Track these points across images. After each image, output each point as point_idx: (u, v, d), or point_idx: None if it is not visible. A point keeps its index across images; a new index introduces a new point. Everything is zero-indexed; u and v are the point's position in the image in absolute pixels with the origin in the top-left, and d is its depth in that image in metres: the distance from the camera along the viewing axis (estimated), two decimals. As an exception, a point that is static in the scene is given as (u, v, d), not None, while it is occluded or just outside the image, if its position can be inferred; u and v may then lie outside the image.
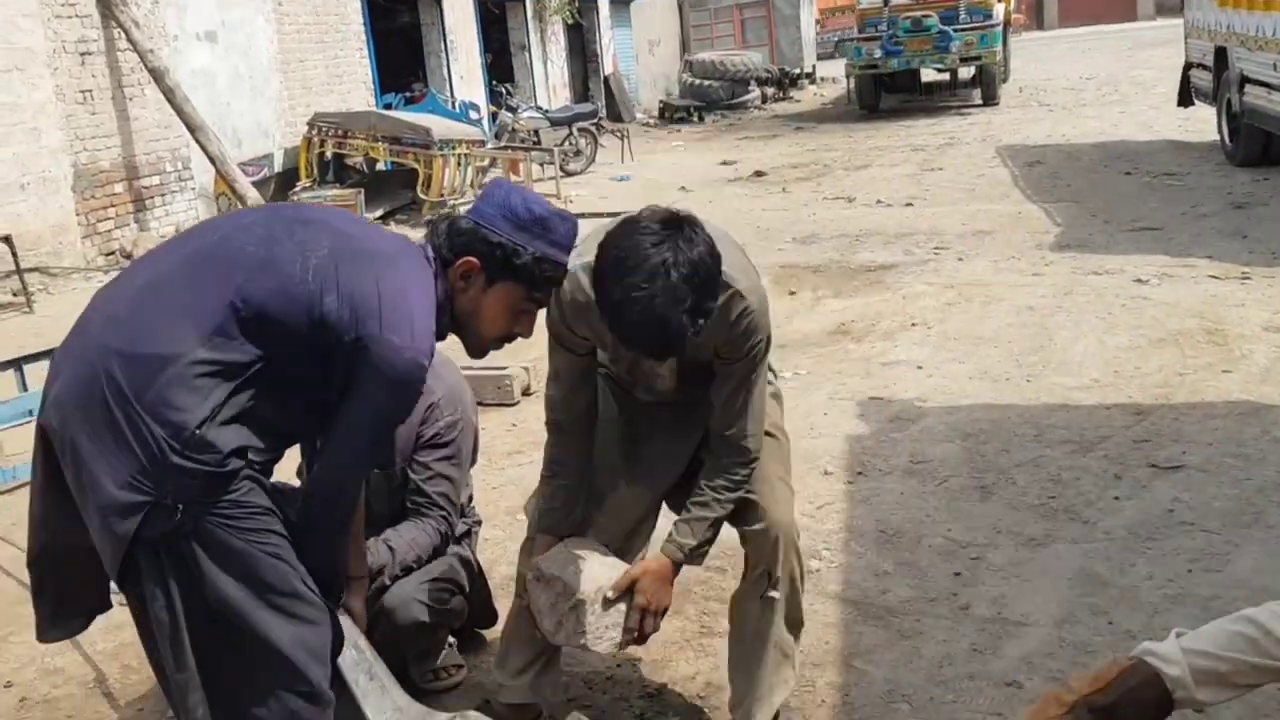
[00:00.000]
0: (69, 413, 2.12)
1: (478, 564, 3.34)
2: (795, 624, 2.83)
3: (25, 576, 3.76)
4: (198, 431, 2.06)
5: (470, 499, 3.37)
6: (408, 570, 3.02)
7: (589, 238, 2.51)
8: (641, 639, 2.62)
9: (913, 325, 6.69)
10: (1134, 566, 3.68)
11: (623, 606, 2.54)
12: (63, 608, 2.36)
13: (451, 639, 3.27)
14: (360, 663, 2.50)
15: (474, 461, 3.29)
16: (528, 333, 2.47)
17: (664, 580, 2.61)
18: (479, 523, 3.48)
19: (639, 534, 2.88)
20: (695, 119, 22.75)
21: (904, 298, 7.34)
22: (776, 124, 21.30)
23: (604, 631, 2.54)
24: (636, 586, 2.57)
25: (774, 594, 2.68)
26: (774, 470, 2.75)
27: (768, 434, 2.72)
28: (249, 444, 2.15)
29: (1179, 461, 4.44)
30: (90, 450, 2.08)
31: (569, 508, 2.72)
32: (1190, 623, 3.29)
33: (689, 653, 3.33)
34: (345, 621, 2.53)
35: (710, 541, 2.66)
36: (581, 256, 2.46)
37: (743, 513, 2.67)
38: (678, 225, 2.27)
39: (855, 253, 8.91)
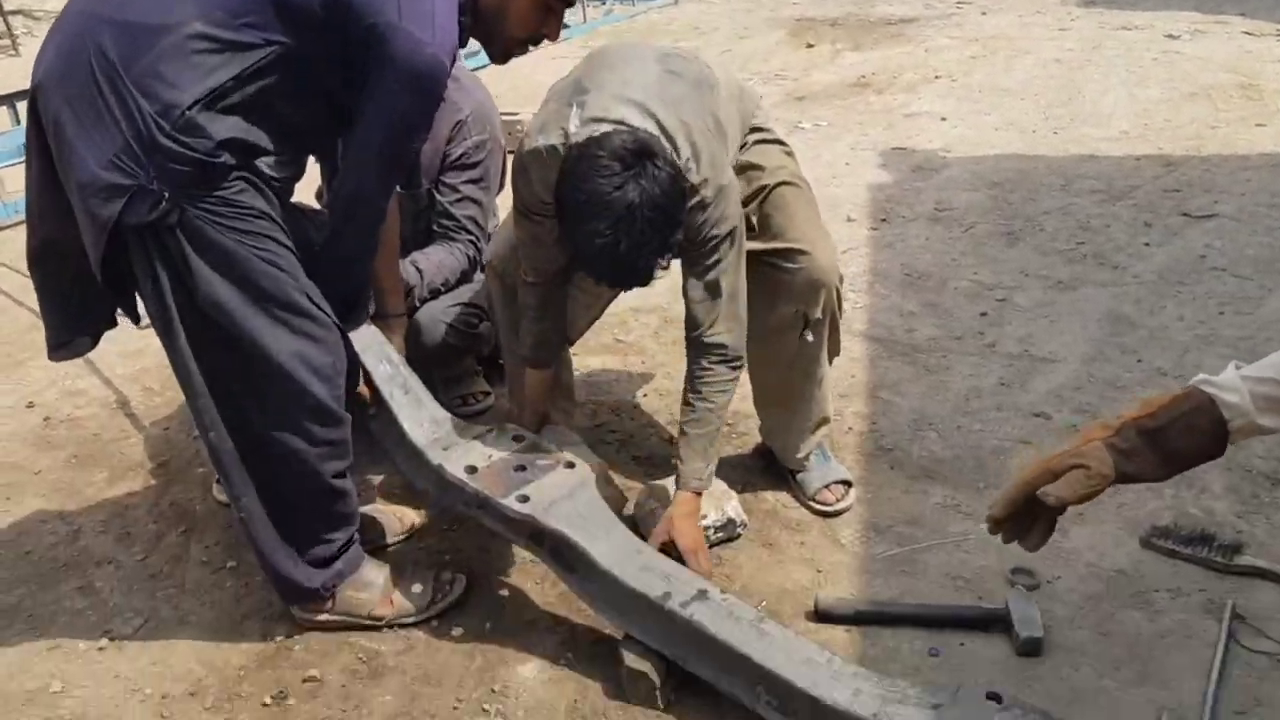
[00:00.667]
0: (54, 87, 1.95)
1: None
2: (833, 353, 2.78)
3: (35, 303, 3.71)
4: (189, 112, 1.90)
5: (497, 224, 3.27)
6: (435, 294, 2.95)
7: (549, 103, 2.32)
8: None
9: (936, 78, 6.44)
10: (1164, 309, 3.64)
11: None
12: (69, 321, 2.27)
13: (479, 366, 3.25)
14: (395, 377, 2.47)
15: (501, 187, 3.16)
16: (554, 35, 2.28)
17: (692, 521, 2.41)
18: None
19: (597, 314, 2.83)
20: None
21: (926, 51, 7.04)
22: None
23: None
24: (674, 537, 2.39)
25: (809, 336, 2.61)
26: (806, 214, 2.63)
27: (788, 183, 2.60)
28: (251, 140, 2.00)
29: (1211, 210, 4.35)
30: (74, 127, 1.93)
31: (555, 345, 2.66)
32: (1221, 362, 3.29)
33: (716, 384, 3.31)
34: (377, 336, 2.48)
35: (713, 449, 2.44)
36: (541, 134, 2.24)
37: (782, 255, 2.56)
38: (639, 160, 2.07)
39: (873, 6, 8.53)
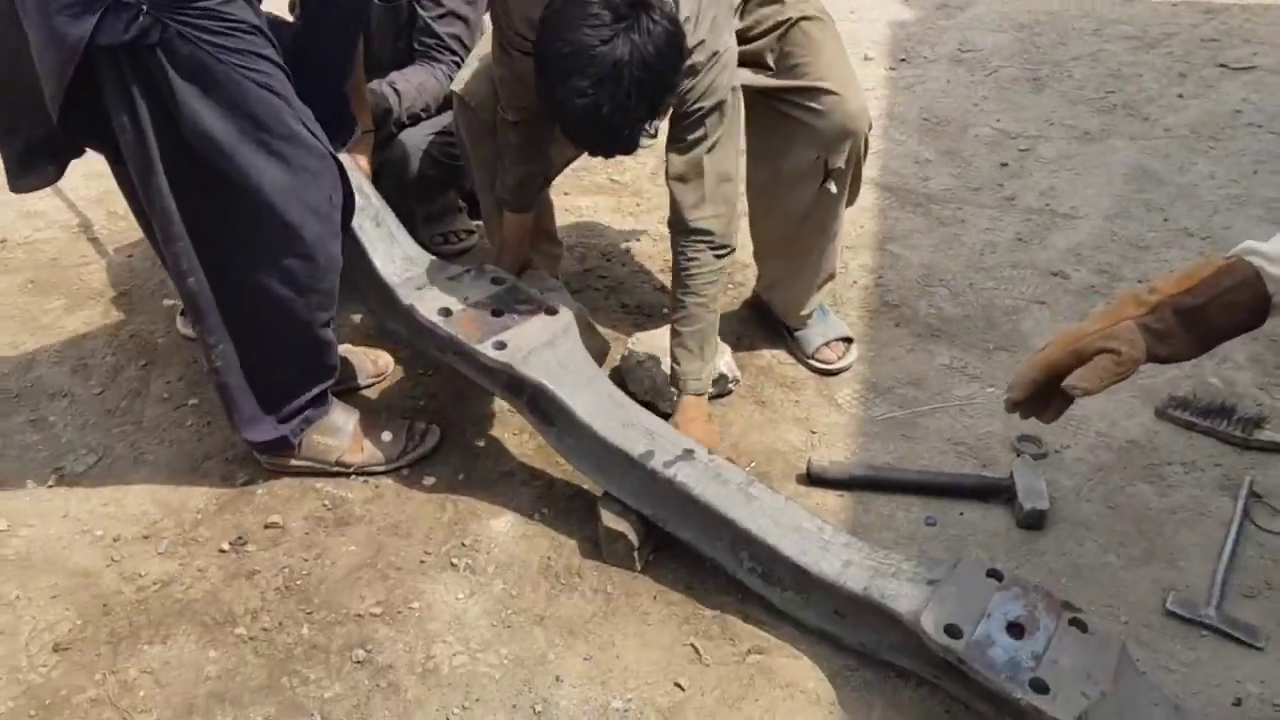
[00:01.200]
0: None
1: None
2: (850, 201, 2.56)
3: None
4: None
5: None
6: (414, 119, 2.72)
7: None
8: None
9: (965, -91, 5.97)
10: (1194, 165, 3.41)
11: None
12: (31, 149, 2.06)
13: (462, 203, 3.03)
14: (365, 208, 2.27)
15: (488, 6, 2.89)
16: None
17: (701, 420, 2.21)
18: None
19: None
20: None
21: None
22: None
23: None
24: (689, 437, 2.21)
25: (831, 187, 2.39)
26: (834, 51, 2.36)
27: (811, 17, 2.32)
28: None
29: (1250, 63, 4.05)
30: None
31: (537, 188, 2.43)
32: (1253, 224, 3.09)
33: (714, 229, 3.11)
34: (349, 165, 2.26)
35: (709, 346, 2.24)
36: None
37: (806, 94, 2.31)
38: (633, 10, 1.78)
39: None
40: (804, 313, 2.56)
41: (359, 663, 1.86)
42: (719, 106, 2.08)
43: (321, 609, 1.95)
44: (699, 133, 2.10)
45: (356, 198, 2.19)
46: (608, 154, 2.02)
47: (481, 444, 2.33)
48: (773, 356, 2.60)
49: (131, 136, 1.84)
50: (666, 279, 2.90)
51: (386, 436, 2.27)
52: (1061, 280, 2.87)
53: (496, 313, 2.16)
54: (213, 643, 1.89)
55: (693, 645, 1.88)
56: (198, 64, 1.77)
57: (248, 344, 2.06)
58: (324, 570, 2.03)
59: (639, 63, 1.80)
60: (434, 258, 2.33)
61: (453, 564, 2.05)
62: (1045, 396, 1.57)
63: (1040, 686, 1.58)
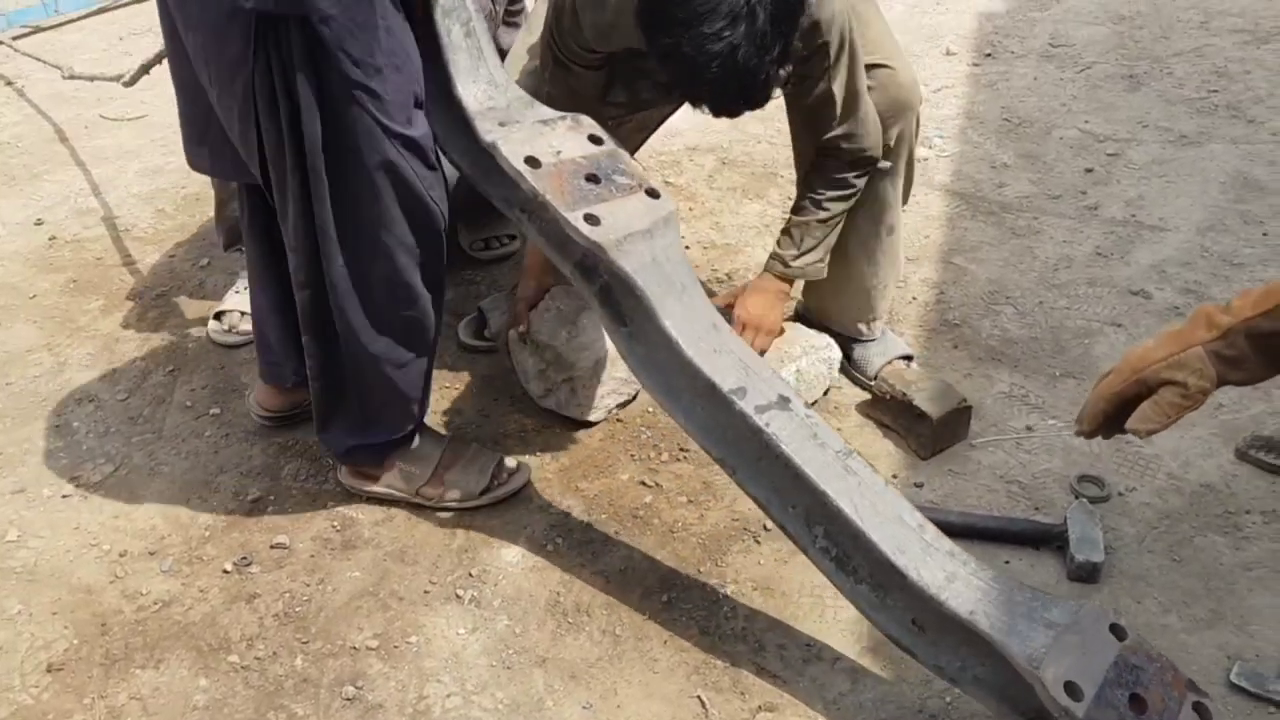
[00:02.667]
0: None
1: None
2: (905, 197, 2.39)
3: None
4: None
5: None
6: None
7: None
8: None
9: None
10: (1303, 173, 3.13)
11: (620, 374, 2.26)
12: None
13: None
14: (457, 9, 1.89)
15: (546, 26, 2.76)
16: None
17: (768, 299, 2.19)
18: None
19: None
20: None
21: None
22: None
23: (599, 401, 2.29)
24: (738, 303, 2.20)
25: (884, 164, 2.23)
26: (881, 25, 2.22)
27: None
28: None
29: (1377, 58, 3.71)
30: None
31: None
32: (1364, 238, 2.81)
33: (767, 238, 2.95)
34: None
35: (817, 250, 2.19)
36: None
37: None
38: None
39: None
40: (863, 322, 2.40)
41: (348, 700, 1.77)
42: (842, 40, 1.98)
43: (317, 639, 1.88)
44: (825, 64, 2.00)
45: None
46: (745, 107, 1.82)
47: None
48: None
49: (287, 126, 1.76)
50: (714, 289, 2.76)
51: (473, 471, 2.13)
52: (1142, 300, 2.64)
53: (592, 178, 1.83)
54: (205, 670, 1.82)
55: (699, 698, 1.75)
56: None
57: (344, 355, 1.99)
58: (324, 597, 1.95)
59: None
60: (522, 91, 1.98)
61: (457, 595, 1.95)
62: (1114, 423, 1.54)
63: None
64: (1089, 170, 3.20)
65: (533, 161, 1.81)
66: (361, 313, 1.90)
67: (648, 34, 1.75)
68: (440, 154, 1.90)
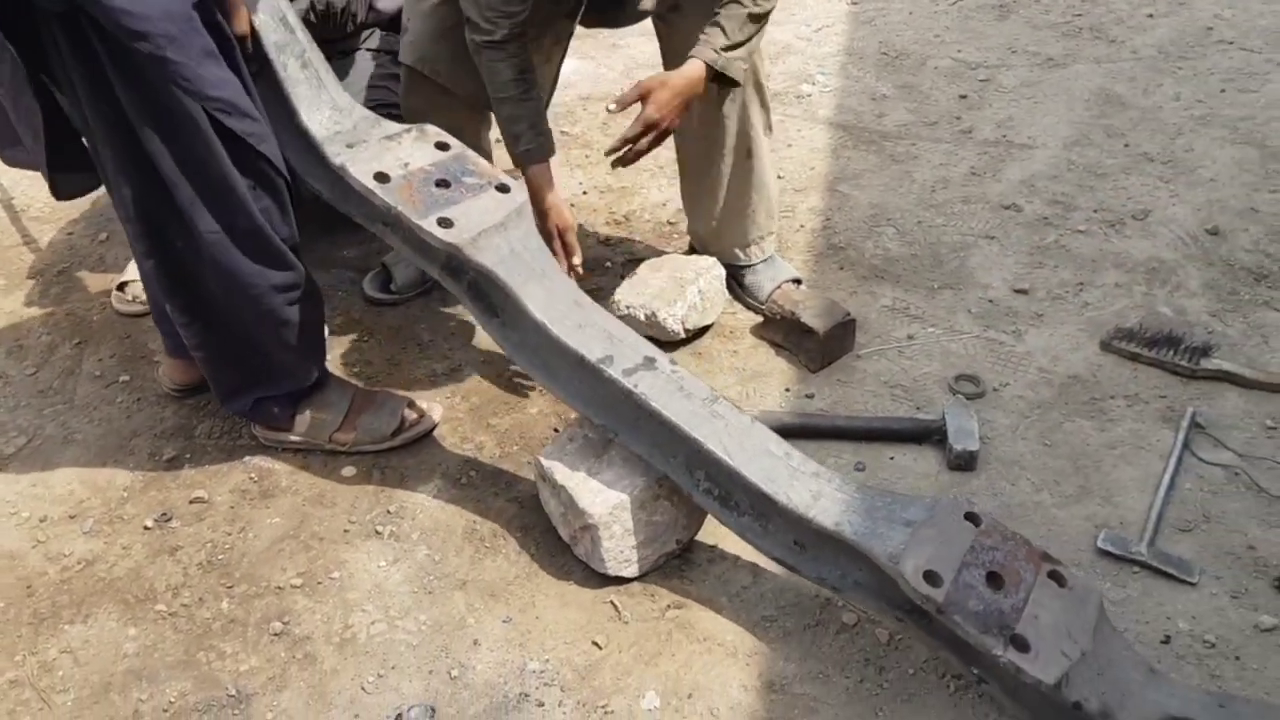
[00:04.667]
0: None
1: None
2: (767, 122, 2.47)
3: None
4: None
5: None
6: (322, 16, 2.48)
7: None
8: (630, 159, 2.23)
9: None
10: (1160, 87, 3.30)
11: (658, 519, 1.88)
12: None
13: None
14: (290, 45, 2.00)
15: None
16: None
17: (679, 99, 2.16)
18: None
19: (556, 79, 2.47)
20: None
21: None
22: None
23: (630, 553, 1.87)
24: (651, 98, 2.15)
25: (730, 99, 2.33)
26: None
27: None
28: None
29: (1227, -23, 3.91)
30: None
31: (545, 129, 2.28)
32: (1215, 145, 3.00)
33: (661, 180, 3.05)
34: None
35: (744, 49, 2.17)
36: None
37: None
38: None
39: None
40: (743, 247, 2.50)
41: (276, 635, 1.84)
42: None
43: (242, 582, 1.94)
44: None
45: (277, 31, 2.01)
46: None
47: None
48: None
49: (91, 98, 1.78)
50: (613, 231, 2.85)
51: (382, 414, 2.19)
52: (1014, 213, 2.79)
53: (442, 183, 1.94)
54: (133, 620, 1.88)
55: (613, 603, 1.86)
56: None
57: (213, 326, 2.04)
58: (246, 544, 2.02)
59: None
60: (368, 111, 2.09)
61: (377, 531, 2.03)
62: None
63: (1021, 644, 1.51)
64: (962, 96, 3.35)
65: (382, 177, 1.92)
66: (229, 270, 1.92)
67: None
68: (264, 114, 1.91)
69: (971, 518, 1.67)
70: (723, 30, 2.15)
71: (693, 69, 2.16)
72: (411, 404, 2.24)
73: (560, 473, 1.88)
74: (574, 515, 1.86)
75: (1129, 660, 1.58)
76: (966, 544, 1.63)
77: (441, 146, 2.03)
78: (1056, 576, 1.62)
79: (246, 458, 2.21)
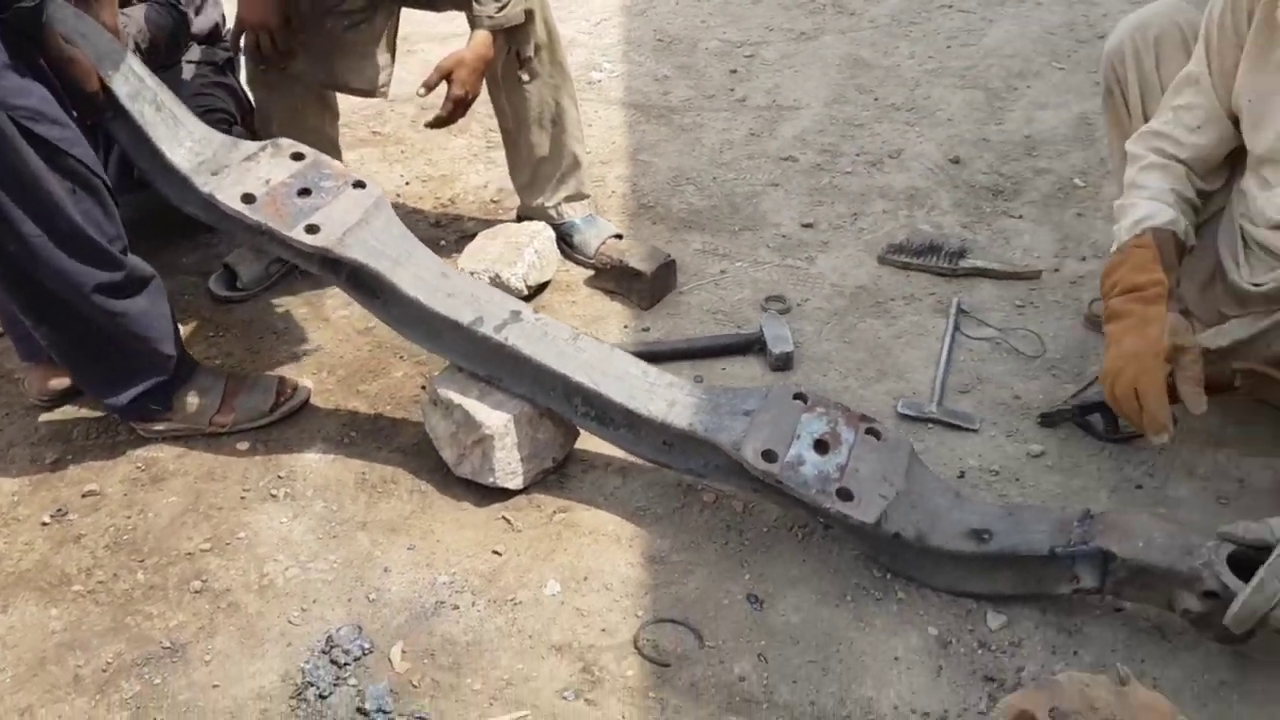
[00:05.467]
0: None
1: (246, 96, 3.05)
2: (570, 93, 2.77)
3: None
4: None
5: (223, 27, 3.03)
6: (147, 50, 2.65)
7: None
8: (450, 123, 2.53)
9: None
10: (897, 48, 3.81)
11: (540, 436, 2.12)
12: None
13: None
14: (142, 93, 2.18)
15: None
16: None
17: (480, 69, 2.48)
18: (233, 56, 3.16)
19: (385, 55, 2.70)
20: None
21: None
22: None
23: (517, 465, 2.11)
24: (453, 78, 2.45)
25: (525, 76, 2.64)
26: None
27: None
28: None
29: (940, -47, 4.51)
30: None
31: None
32: (948, 91, 3.51)
33: (479, 165, 3.30)
34: (110, 44, 2.17)
35: (511, 4, 2.48)
36: None
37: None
38: None
39: None
40: (567, 204, 2.80)
41: (197, 592, 1.99)
42: None
43: (153, 555, 2.07)
44: None
45: (128, 82, 2.15)
46: None
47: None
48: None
49: None
50: (443, 213, 3.08)
51: (257, 394, 2.34)
52: (791, 163, 3.20)
53: (303, 192, 2.16)
54: (53, 602, 1.98)
55: (505, 518, 2.10)
56: None
57: (60, 326, 2.12)
58: (149, 522, 2.14)
59: None
60: (224, 136, 2.27)
61: (272, 495, 2.19)
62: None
63: (846, 495, 1.84)
64: (733, 71, 3.76)
65: (248, 198, 2.13)
66: (56, 271, 2.02)
67: None
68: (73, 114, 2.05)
69: (800, 397, 2.02)
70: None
71: (479, 40, 2.47)
72: (283, 380, 2.41)
73: (454, 394, 2.10)
74: (467, 431, 2.09)
75: (938, 489, 1.95)
76: (796, 420, 1.97)
77: (297, 157, 2.24)
78: (874, 433, 1.97)
79: (129, 451, 2.31)
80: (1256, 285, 1.94)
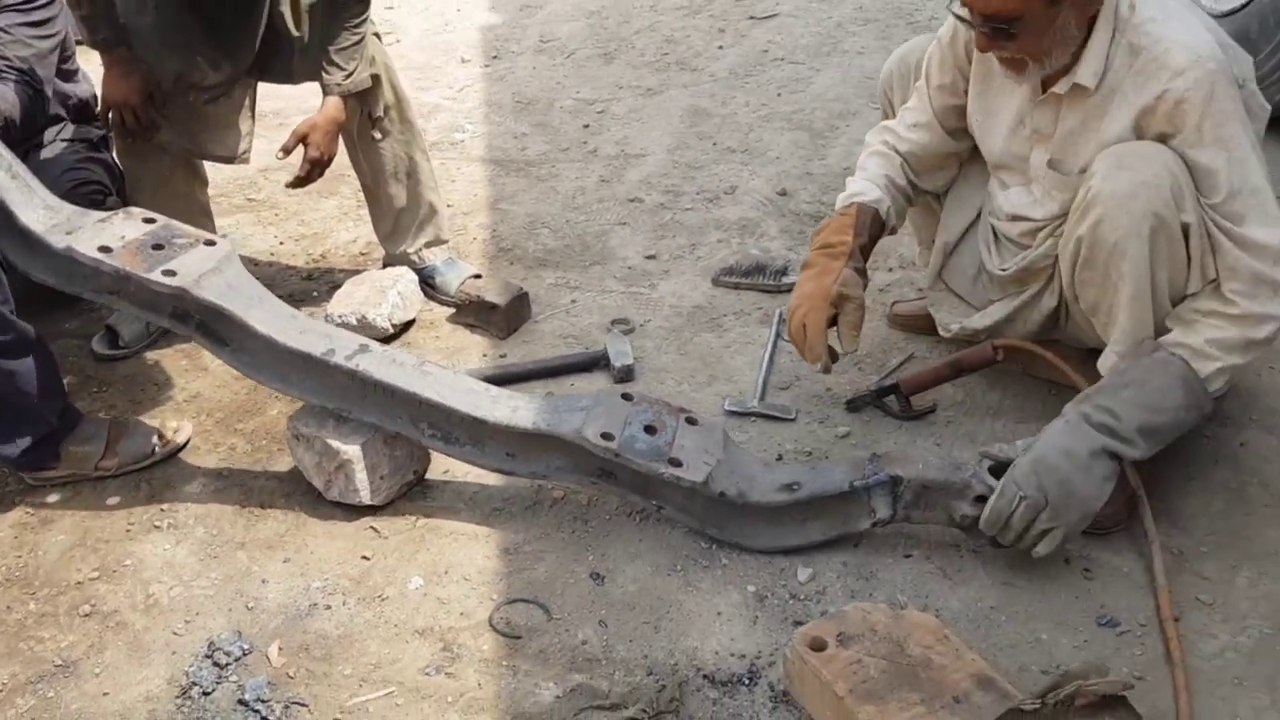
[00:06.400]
0: None
1: (119, 170, 3.24)
2: (420, 147, 3.04)
3: None
4: None
5: (94, 104, 3.23)
6: (3, 126, 2.83)
7: None
8: (309, 183, 2.83)
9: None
10: (734, 98, 4.18)
11: (398, 454, 2.35)
12: None
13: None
14: None
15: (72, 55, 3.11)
16: None
17: (330, 133, 2.77)
18: (108, 133, 3.36)
19: (247, 124, 2.95)
20: None
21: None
22: None
23: (379, 483, 2.33)
24: (308, 141, 2.74)
25: (377, 135, 2.92)
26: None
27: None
28: None
29: (773, 11, 4.93)
30: None
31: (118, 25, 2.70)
32: (776, 133, 3.87)
33: (348, 223, 3.54)
34: None
35: (360, 69, 2.78)
36: None
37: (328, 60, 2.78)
38: None
39: None
40: (426, 249, 3.06)
41: (86, 615, 2.16)
42: None
43: (43, 587, 2.23)
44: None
45: None
46: None
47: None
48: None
49: None
50: (312, 268, 3.30)
51: (139, 437, 2.51)
52: (638, 204, 3.51)
53: (157, 246, 2.32)
54: (-55, 638, 2.13)
55: (372, 528, 2.32)
56: None
57: None
58: (38, 559, 2.30)
59: None
60: (75, 206, 2.43)
61: (156, 526, 2.37)
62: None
63: (676, 463, 2.12)
64: (586, 126, 4.08)
65: (105, 249, 2.30)
66: None
67: None
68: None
69: (626, 397, 2.29)
70: (338, 66, 2.76)
71: (330, 105, 2.78)
72: (163, 423, 2.59)
73: (311, 427, 2.31)
74: (329, 459, 2.30)
75: (751, 460, 2.24)
76: (626, 412, 2.24)
77: (149, 220, 2.42)
78: (691, 420, 2.25)
79: (18, 499, 2.47)
80: (1004, 270, 2.28)
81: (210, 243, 2.39)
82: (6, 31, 2.83)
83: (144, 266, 2.28)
